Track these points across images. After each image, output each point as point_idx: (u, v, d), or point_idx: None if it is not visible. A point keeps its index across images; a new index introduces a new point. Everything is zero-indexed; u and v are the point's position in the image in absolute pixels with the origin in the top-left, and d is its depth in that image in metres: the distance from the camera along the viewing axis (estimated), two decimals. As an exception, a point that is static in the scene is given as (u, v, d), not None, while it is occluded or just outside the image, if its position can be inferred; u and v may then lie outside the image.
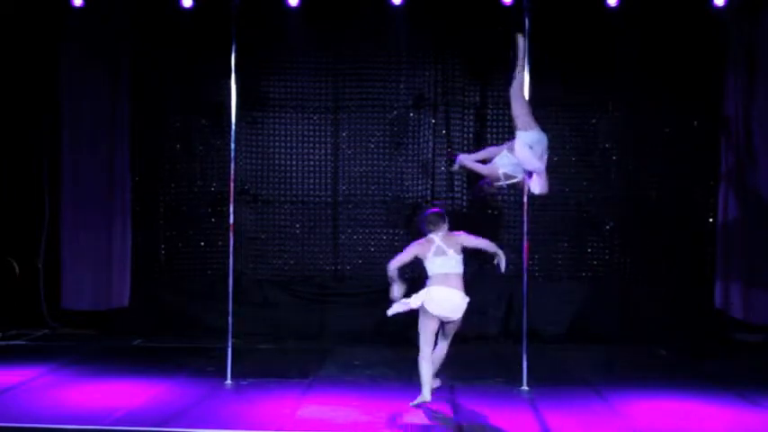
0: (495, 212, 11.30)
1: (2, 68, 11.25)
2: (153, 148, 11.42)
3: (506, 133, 10.41)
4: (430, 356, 7.62)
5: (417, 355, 7.61)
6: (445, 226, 7.84)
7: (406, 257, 7.74)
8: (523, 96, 8.18)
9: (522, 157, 7.84)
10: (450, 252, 7.66)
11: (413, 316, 11.12)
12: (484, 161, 8.20)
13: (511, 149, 7.92)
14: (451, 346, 7.83)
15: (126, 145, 11.26)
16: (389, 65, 11.37)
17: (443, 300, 7.54)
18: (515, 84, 8.11)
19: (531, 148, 7.83)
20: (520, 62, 8.19)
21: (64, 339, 10.85)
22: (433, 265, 7.64)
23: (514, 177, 7.96)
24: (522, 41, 8.25)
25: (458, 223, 11.19)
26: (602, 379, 8.76)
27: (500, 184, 8.04)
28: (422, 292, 7.60)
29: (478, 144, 11.28)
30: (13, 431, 6.71)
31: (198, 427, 6.86)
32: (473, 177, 11.01)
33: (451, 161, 8.94)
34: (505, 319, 11.13)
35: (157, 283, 11.43)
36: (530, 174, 7.96)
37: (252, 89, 11.02)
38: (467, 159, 8.26)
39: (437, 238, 7.73)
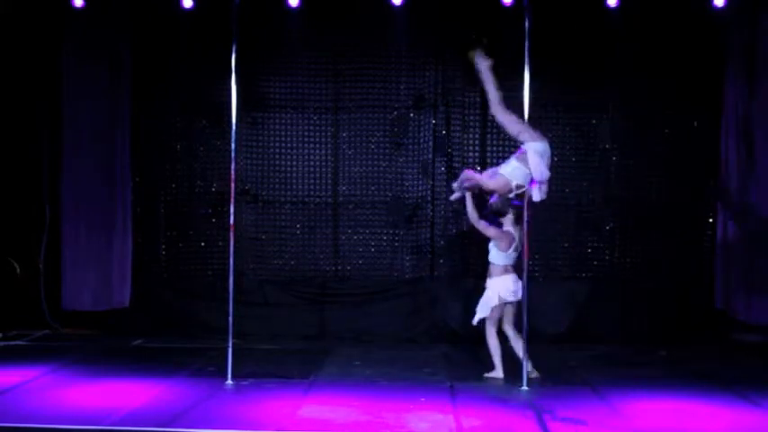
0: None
1: (3, 69, 11.25)
2: (153, 148, 11.41)
3: (507, 134, 10.38)
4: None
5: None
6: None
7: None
8: (509, 112, 8.35)
9: (534, 166, 8.15)
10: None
11: (412, 317, 11.10)
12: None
13: (521, 160, 8.20)
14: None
15: (126, 145, 11.26)
16: (389, 65, 11.37)
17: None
18: (492, 106, 8.37)
19: (541, 157, 8.19)
20: (485, 84, 8.35)
21: (64, 339, 10.85)
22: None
23: (523, 187, 8.29)
24: (480, 60, 8.33)
25: (456, 224, 11.29)
26: (602, 379, 8.76)
27: (510, 195, 8.41)
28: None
29: (479, 145, 11.29)
30: (13, 431, 6.71)
31: (199, 427, 6.85)
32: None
33: (451, 191, 9.12)
34: (506, 319, 11.11)
35: (158, 284, 11.43)
36: (532, 181, 8.23)
37: (252, 89, 11.03)
38: (466, 184, 8.59)
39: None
